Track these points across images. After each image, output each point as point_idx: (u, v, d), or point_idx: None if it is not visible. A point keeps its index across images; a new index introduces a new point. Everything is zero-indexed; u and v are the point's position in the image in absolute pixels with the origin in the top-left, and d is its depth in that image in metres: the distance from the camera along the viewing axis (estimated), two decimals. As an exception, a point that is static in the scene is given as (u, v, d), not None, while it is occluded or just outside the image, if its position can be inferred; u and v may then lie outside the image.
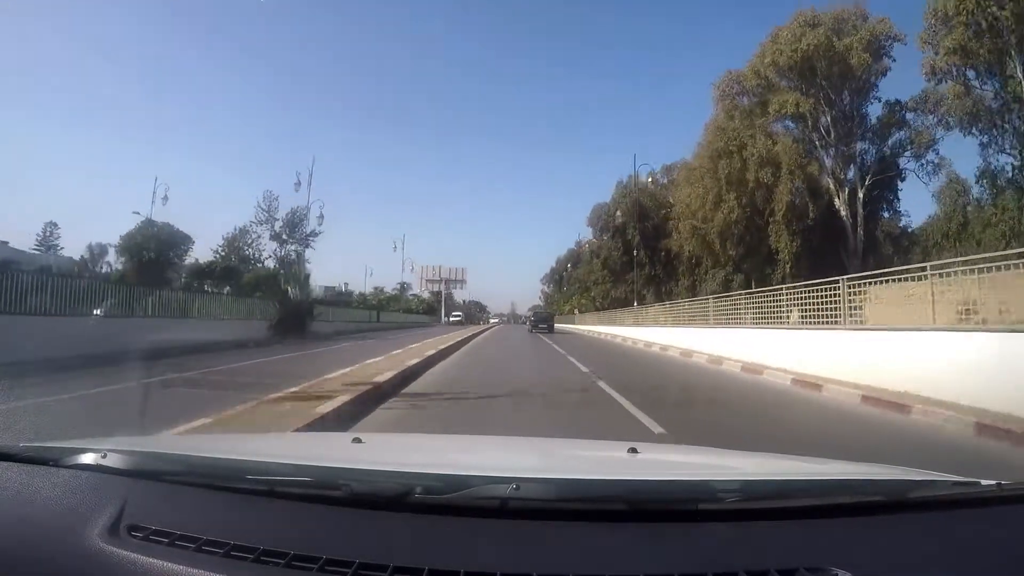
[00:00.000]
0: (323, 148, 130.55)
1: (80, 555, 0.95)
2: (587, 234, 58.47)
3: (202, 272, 33.96)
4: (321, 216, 33.84)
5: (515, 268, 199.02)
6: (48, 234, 64.58)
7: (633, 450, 1.58)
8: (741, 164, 26.36)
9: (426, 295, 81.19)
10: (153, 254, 29.47)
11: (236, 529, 1.00)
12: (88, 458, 1.26)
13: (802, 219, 26.39)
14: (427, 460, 1.60)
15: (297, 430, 3.91)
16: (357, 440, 1.74)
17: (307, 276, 23.76)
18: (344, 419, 4.85)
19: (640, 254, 39.30)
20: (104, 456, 1.26)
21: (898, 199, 34.02)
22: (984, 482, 1.21)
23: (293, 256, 19.94)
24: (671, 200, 38.35)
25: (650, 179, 24.52)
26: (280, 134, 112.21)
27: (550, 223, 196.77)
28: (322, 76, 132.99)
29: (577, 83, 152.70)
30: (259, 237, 43.52)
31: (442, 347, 12.13)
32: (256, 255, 43.85)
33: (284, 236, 44.71)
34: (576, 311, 51.46)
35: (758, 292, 12.74)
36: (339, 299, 56.90)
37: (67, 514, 1.07)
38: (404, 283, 78.79)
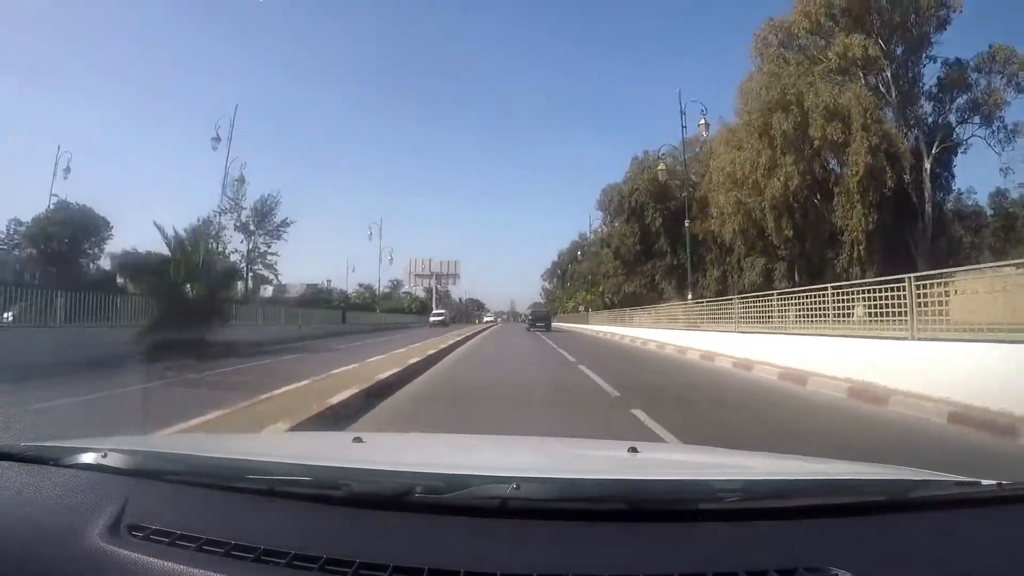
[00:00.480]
0: (305, 132, 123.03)
1: (81, 555, 0.95)
2: (588, 231, 53.25)
3: (138, 266, 28.05)
4: (242, 178, 27.75)
5: (515, 265, 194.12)
6: (12, 232, 59.69)
7: (633, 449, 1.57)
8: (801, 118, 20.69)
9: (421, 293, 76.05)
10: (67, 243, 23.68)
11: (237, 529, 1.00)
12: (89, 458, 1.25)
13: (879, 189, 20.66)
14: (427, 460, 1.58)
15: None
16: (358, 440, 1.72)
17: (212, 258, 15.86)
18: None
19: (661, 241, 33.87)
20: (105, 456, 1.24)
21: (952, 175, 28.48)
22: (984, 482, 1.18)
23: (186, 234, 14.19)
24: (693, 178, 32.82)
25: (702, 121, 18.51)
26: (259, 114, 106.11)
27: (551, 219, 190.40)
28: (304, 46, 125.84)
29: (582, 59, 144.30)
30: (223, 228, 38.40)
31: (366, 386, 6.26)
32: (221, 248, 38.96)
33: (251, 227, 41.10)
34: (588, 309, 45.53)
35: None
36: (318, 297, 52.34)
37: (68, 514, 1.06)
38: (395, 280, 73.85)
